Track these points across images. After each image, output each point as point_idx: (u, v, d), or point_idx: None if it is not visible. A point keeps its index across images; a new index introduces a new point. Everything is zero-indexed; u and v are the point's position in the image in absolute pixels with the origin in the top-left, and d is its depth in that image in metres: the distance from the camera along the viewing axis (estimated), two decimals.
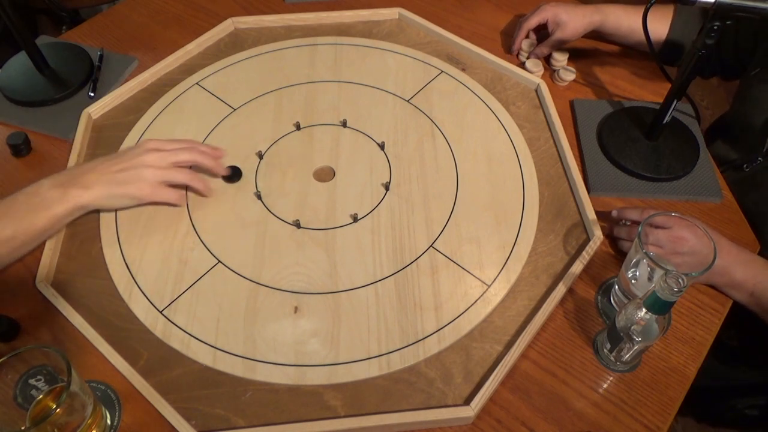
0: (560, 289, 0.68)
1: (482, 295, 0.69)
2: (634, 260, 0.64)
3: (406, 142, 0.84)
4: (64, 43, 0.98)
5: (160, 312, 0.67)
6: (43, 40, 0.97)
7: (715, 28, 0.67)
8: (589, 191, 0.79)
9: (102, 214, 0.75)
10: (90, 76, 0.92)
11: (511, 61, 0.94)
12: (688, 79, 0.73)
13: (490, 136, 0.85)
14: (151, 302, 0.68)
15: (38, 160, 0.83)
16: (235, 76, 0.93)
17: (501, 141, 0.84)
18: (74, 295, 0.68)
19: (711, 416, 1.00)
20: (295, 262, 0.71)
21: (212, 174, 0.78)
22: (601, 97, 0.92)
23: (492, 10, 1.07)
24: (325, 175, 0.81)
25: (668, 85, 0.77)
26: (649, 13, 0.75)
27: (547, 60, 0.96)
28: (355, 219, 0.75)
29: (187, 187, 0.77)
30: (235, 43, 0.98)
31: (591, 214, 0.75)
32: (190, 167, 0.76)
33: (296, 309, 0.67)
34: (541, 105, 0.90)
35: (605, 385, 0.63)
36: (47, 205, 0.67)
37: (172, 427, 0.59)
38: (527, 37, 0.97)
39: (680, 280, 0.51)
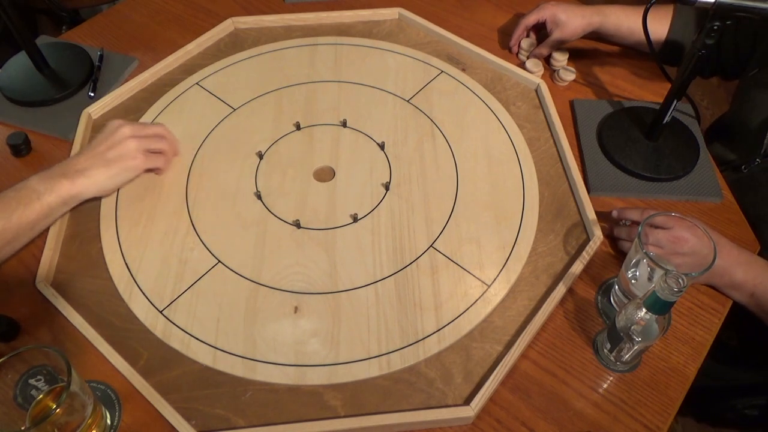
0: (560, 289, 0.68)
1: (482, 295, 0.69)
2: (634, 260, 0.64)
3: (406, 142, 0.84)
4: (64, 43, 0.98)
5: (160, 312, 0.67)
6: (43, 40, 0.97)
7: (715, 28, 0.67)
8: (589, 191, 0.79)
9: (102, 214, 0.75)
10: (90, 76, 0.92)
11: (511, 61, 0.94)
12: (688, 79, 0.73)
13: (490, 136, 0.85)
14: (151, 302, 0.68)
15: (38, 160, 0.83)
16: (235, 76, 0.93)
17: (501, 141, 0.84)
18: (74, 295, 0.68)
19: (711, 416, 1.00)
20: (295, 262, 0.71)
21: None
22: (601, 97, 0.92)
23: (492, 10, 1.07)
24: (325, 175, 0.81)
25: (668, 85, 0.77)
26: (649, 14, 0.75)
27: (547, 60, 0.96)
28: (355, 219, 0.75)
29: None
30: (235, 43, 0.98)
31: (591, 214, 0.75)
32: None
33: (296, 309, 0.67)
34: (541, 105, 0.90)
35: (605, 385, 0.63)
36: (37, 196, 0.67)
37: (172, 427, 0.59)
38: (527, 36, 0.97)
39: (680, 280, 0.51)
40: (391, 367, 0.63)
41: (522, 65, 0.95)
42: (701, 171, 0.81)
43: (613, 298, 0.69)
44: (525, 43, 0.96)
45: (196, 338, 0.65)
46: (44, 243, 0.71)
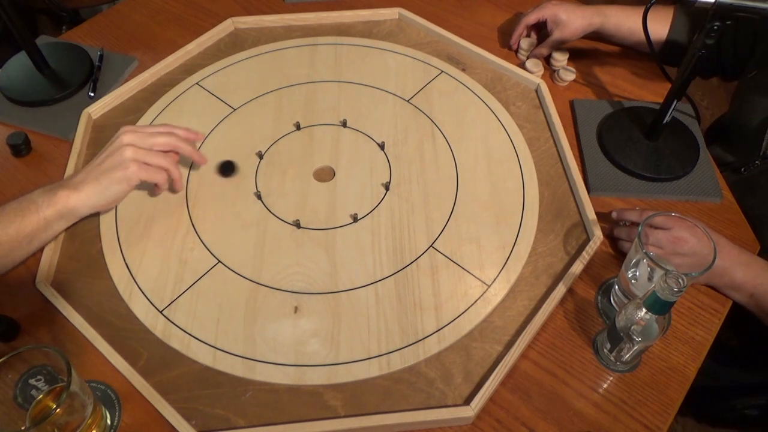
0: (560, 289, 0.68)
1: (482, 295, 0.69)
2: (634, 260, 0.64)
3: (406, 142, 0.84)
4: (64, 43, 0.98)
5: (160, 312, 0.67)
6: (43, 40, 0.97)
7: (715, 28, 0.67)
8: (589, 191, 0.79)
9: (102, 215, 0.75)
10: (90, 76, 0.92)
11: (511, 61, 0.94)
12: (688, 79, 0.73)
13: (490, 136, 0.85)
14: (151, 302, 0.68)
15: (38, 160, 0.83)
16: (235, 76, 0.93)
17: (501, 141, 0.84)
18: (74, 295, 0.68)
19: (711, 416, 1.00)
20: (295, 262, 0.71)
21: (193, 160, 0.76)
22: (601, 97, 0.92)
23: (492, 10, 1.07)
24: (325, 175, 0.81)
25: (668, 85, 0.77)
26: (649, 14, 0.75)
27: (547, 60, 0.96)
28: (355, 219, 0.75)
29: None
30: (235, 43, 0.98)
31: (591, 214, 0.75)
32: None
33: (296, 309, 0.67)
34: (541, 105, 0.90)
35: (605, 385, 0.63)
36: (36, 209, 0.66)
37: (172, 427, 0.59)
38: (528, 35, 0.97)
39: (680, 280, 0.51)
40: (391, 367, 0.63)
41: (522, 65, 0.95)
42: (701, 171, 0.81)
43: (613, 298, 0.69)
44: (525, 43, 0.96)
45: (196, 338, 0.65)
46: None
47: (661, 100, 0.79)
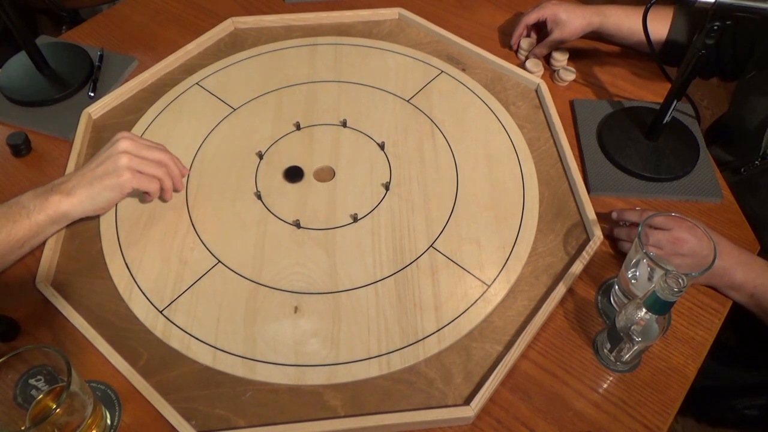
0: (560, 289, 0.68)
1: (482, 295, 0.69)
2: (634, 260, 0.64)
3: (406, 142, 0.84)
4: (64, 43, 0.98)
5: (160, 312, 0.67)
6: (43, 40, 0.97)
7: (715, 28, 0.67)
8: (589, 191, 0.79)
9: (102, 215, 0.75)
10: (90, 76, 0.92)
11: (511, 61, 0.94)
12: (688, 79, 0.73)
13: (490, 136, 0.85)
14: (151, 302, 0.68)
15: (38, 160, 0.83)
16: (235, 76, 0.93)
17: (501, 141, 0.84)
18: (74, 295, 0.68)
19: (711, 416, 1.00)
20: (295, 262, 0.71)
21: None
22: (601, 97, 0.92)
23: (492, 10, 1.07)
24: (325, 175, 0.81)
25: (668, 85, 0.77)
26: (649, 14, 0.75)
27: (547, 60, 0.96)
28: (355, 219, 0.75)
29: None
30: (235, 43, 0.98)
31: (591, 214, 0.75)
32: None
33: (296, 309, 0.67)
34: (541, 105, 0.90)
35: (605, 385, 0.63)
36: (27, 214, 0.65)
37: (172, 427, 0.59)
38: (527, 35, 0.97)
39: (680, 280, 0.51)
40: (391, 367, 0.63)
41: (522, 65, 0.95)
42: (701, 171, 0.81)
43: (613, 298, 0.69)
44: (525, 43, 0.96)
45: (196, 338, 0.65)
46: (44, 243, 0.71)
47: (661, 100, 0.79)
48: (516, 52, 0.99)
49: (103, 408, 0.59)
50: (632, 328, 0.58)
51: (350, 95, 0.90)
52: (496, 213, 0.76)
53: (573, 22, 0.90)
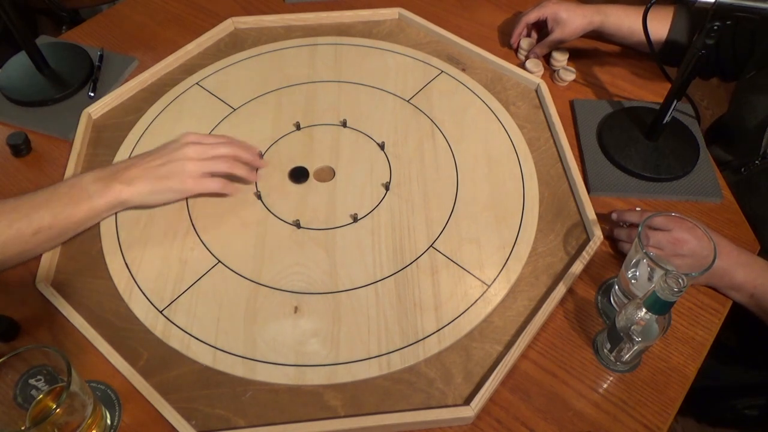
0: (560, 289, 0.68)
1: (482, 295, 0.69)
2: (634, 260, 0.64)
3: (406, 142, 0.84)
4: (64, 43, 0.98)
5: (160, 312, 0.67)
6: (43, 40, 0.97)
7: (715, 28, 0.67)
8: (589, 191, 0.79)
9: None
10: (90, 76, 0.92)
11: (511, 61, 0.94)
12: (688, 79, 0.73)
13: (490, 136, 0.85)
14: (151, 302, 0.68)
15: (38, 160, 0.83)
16: (235, 76, 0.93)
17: (501, 141, 0.84)
18: (74, 295, 0.68)
19: (711, 416, 1.00)
20: (295, 262, 0.71)
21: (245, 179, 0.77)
22: (601, 97, 0.92)
23: (492, 10, 1.07)
24: (325, 175, 0.81)
25: (668, 85, 0.77)
26: (649, 14, 0.75)
27: (547, 60, 0.96)
28: (355, 219, 0.75)
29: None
30: (235, 43, 0.98)
31: (591, 214, 0.75)
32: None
33: (296, 309, 0.67)
34: (541, 105, 0.90)
35: (605, 385, 0.63)
36: (88, 197, 0.67)
37: (172, 427, 0.59)
38: (528, 34, 0.97)
39: (680, 280, 0.51)
40: (391, 367, 0.63)
41: (522, 65, 0.95)
42: (701, 171, 0.81)
43: (613, 298, 0.69)
44: (525, 43, 0.96)
45: (196, 338, 0.65)
46: None
47: (661, 100, 0.79)
48: (516, 51, 0.98)
49: (103, 408, 0.59)
50: (632, 328, 0.58)
51: (350, 95, 0.90)
52: (496, 213, 0.76)
53: (573, 21, 0.90)
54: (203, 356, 0.64)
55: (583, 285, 0.71)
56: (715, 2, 0.64)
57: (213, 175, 0.73)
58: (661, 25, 0.91)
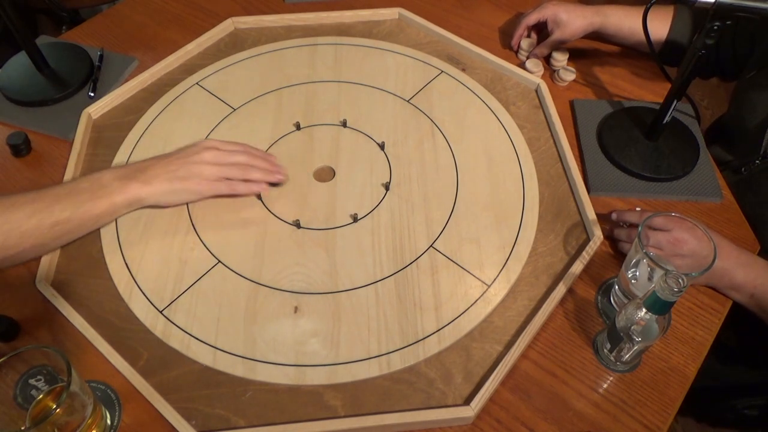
0: (560, 289, 0.68)
1: (482, 295, 0.69)
2: (634, 260, 0.64)
3: (406, 142, 0.84)
4: (64, 43, 0.98)
5: (160, 312, 0.67)
6: (43, 40, 0.97)
7: (715, 28, 0.67)
8: (589, 191, 0.79)
9: None
10: (90, 76, 0.92)
11: (511, 61, 0.94)
12: (688, 79, 0.73)
13: (490, 136, 0.85)
14: (151, 302, 0.68)
15: (38, 160, 0.83)
16: (235, 76, 0.93)
17: (501, 141, 0.84)
18: (74, 295, 0.68)
19: (711, 416, 1.00)
20: (295, 262, 0.71)
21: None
22: (601, 97, 0.92)
23: (492, 10, 1.07)
24: (325, 175, 0.81)
25: (668, 85, 0.77)
26: (649, 14, 0.75)
27: (547, 60, 0.96)
28: (355, 219, 0.75)
29: None
30: (235, 43, 0.98)
31: (591, 214, 0.75)
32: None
33: (296, 309, 0.67)
34: (541, 105, 0.90)
35: (605, 385, 0.63)
36: (108, 193, 0.68)
37: (172, 427, 0.59)
38: (528, 35, 0.97)
39: (680, 280, 0.51)
40: (391, 367, 0.63)
41: (522, 65, 0.95)
42: (701, 171, 0.81)
43: (613, 298, 0.69)
44: (525, 43, 0.96)
45: (196, 338, 0.65)
46: None
47: (661, 100, 0.79)
48: (516, 52, 0.99)
49: (103, 408, 0.59)
50: (632, 328, 0.58)
51: (350, 95, 0.90)
52: (496, 213, 0.76)
53: (573, 22, 0.90)
54: (203, 356, 0.64)
55: (583, 285, 0.71)
56: (715, 2, 0.64)
57: (227, 179, 0.74)
58: (661, 25, 0.91)
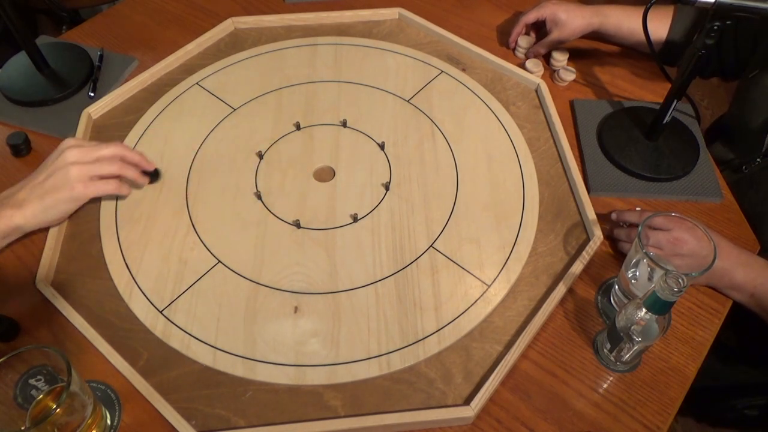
0: (560, 289, 0.68)
1: (482, 295, 0.69)
2: (634, 260, 0.64)
3: (406, 142, 0.84)
4: (64, 43, 0.98)
5: (160, 312, 0.67)
6: (43, 40, 0.97)
7: (715, 28, 0.67)
8: (589, 191, 0.79)
9: (102, 214, 0.75)
10: (90, 76, 0.92)
11: (511, 61, 0.94)
12: (688, 79, 0.73)
13: (490, 136, 0.85)
14: (151, 302, 0.68)
15: (38, 160, 0.82)
16: (235, 76, 0.93)
17: (501, 141, 0.84)
18: (74, 295, 0.68)
19: (711, 416, 1.00)
20: (295, 262, 0.71)
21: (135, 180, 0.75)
22: (601, 97, 0.92)
23: (492, 10, 1.07)
24: (325, 175, 0.81)
25: (668, 85, 0.77)
26: (649, 14, 0.75)
27: (547, 60, 0.96)
28: (355, 219, 0.75)
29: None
30: (235, 43, 0.98)
31: (591, 214, 0.75)
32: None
33: (296, 309, 0.67)
34: (541, 105, 0.90)
35: (605, 385, 0.63)
36: None
37: (172, 427, 0.59)
38: (527, 34, 0.97)
39: (680, 280, 0.51)
40: (391, 367, 0.63)
41: (522, 65, 0.95)
42: (701, 171, 0.81)
43: (613, 298, 0.69)
44: (523, 41, 0.96)
45: (196, 338, 0.65)
46: (44, 243, 0.71)
47: (661, 100, 0.79)
48: (513, 50, 0.98)
49: (103, 408, 0.59)
50: (632, 328, 0.58)
51: (350, 95, 0.90)
52: (496, 213, 0.76)
53: (572, 22, 0.90)
54: (203, 356, 0.64)
55: (583, 285, 0.71)
56: (715, 2, 0.64)
57: (103, 177, 0.71)
58: (661, 25, 0.91)
